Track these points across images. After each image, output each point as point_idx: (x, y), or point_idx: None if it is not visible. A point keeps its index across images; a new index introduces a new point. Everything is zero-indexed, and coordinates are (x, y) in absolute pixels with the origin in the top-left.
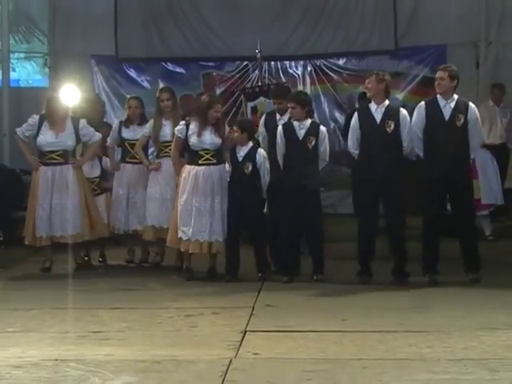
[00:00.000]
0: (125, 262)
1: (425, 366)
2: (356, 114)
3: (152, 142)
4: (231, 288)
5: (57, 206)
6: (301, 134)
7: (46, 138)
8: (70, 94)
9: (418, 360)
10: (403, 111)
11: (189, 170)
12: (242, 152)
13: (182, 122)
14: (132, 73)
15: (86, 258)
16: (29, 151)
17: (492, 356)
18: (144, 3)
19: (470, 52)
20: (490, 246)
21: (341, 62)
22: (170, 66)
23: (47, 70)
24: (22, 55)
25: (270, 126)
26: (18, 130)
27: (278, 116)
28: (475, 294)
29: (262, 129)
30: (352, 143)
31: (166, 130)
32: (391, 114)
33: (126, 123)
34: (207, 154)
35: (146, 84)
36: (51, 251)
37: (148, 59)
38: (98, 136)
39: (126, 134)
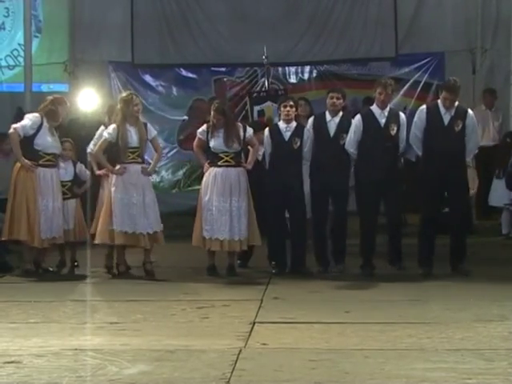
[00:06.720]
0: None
1: (424, 355)
2: (359, 117)
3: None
4: (241, 282)
5: (56, 207)
6: (287, 135)
7: (49, 139)
8: (89, 99)
9: (417, 350)
10: (402, 115)
11: (209, 172)
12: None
13: (204, 126)
14: (147, 78)
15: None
16: (20, 152)
17: (487, 346)
18: (159, 13)
19: (466, 59)
20: (485, 242)
21: (344, 68)
22: (183, 72)
23: (67, 75)
24: (43, 61)
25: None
26: (18, 127)
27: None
28: (470, 287)
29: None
30: (353, 143)
31: (133, 136)
32: (393, 117)
33: None
34: (227, 156)
35: (160, 89)
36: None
37: (162, 65)
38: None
39: None
